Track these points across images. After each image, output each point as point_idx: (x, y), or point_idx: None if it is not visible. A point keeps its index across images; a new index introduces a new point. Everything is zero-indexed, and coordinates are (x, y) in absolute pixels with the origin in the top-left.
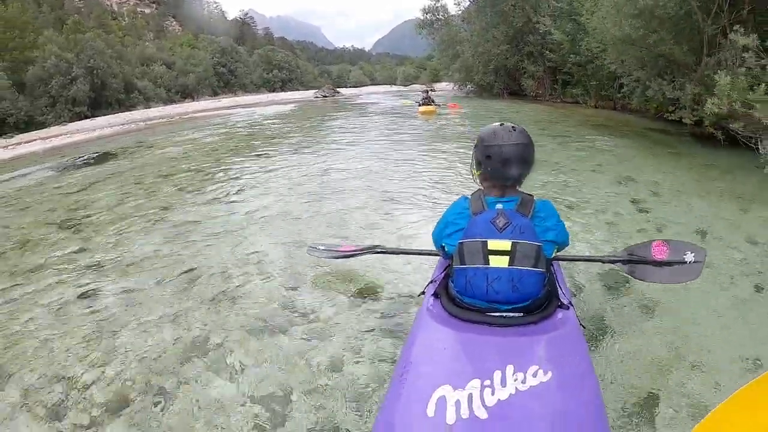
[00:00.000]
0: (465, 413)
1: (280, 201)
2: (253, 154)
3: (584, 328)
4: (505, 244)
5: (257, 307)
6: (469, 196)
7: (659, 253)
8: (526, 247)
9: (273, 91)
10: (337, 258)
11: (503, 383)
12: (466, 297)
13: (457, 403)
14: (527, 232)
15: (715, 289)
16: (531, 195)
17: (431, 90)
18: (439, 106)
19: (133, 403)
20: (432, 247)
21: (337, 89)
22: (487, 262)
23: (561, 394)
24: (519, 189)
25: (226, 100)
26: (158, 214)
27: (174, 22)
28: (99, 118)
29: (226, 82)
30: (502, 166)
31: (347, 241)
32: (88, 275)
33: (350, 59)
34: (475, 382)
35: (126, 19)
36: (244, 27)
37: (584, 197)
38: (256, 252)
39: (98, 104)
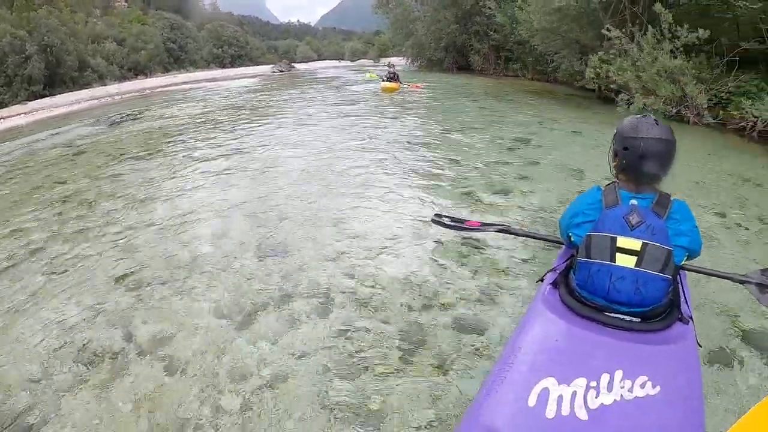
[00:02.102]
0: (566, 410)
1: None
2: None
3: (701, 347)
4: (635, 244)
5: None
6: (603, 187)
7: None
8: (656, 249)
9: (223, 67)
10: (462, 231)
11: (609, 387)
12: (586, 291)
13: (560, 398)
14: (660, 234)
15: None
16: (668, 194)
17: (393, 65)
18: (401, 83)
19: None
20: (557, 233)
21: (293, 64)
22: (613, 259)
23: (665, 411)
24: (656, 187)
25: (181, 76)
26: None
27: None
28: (58, 96)
29: (176, 58)
30: (638, 161)
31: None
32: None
33: (296, 34)
34: (581, 381)
35: None
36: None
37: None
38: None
39: (53, 82)
